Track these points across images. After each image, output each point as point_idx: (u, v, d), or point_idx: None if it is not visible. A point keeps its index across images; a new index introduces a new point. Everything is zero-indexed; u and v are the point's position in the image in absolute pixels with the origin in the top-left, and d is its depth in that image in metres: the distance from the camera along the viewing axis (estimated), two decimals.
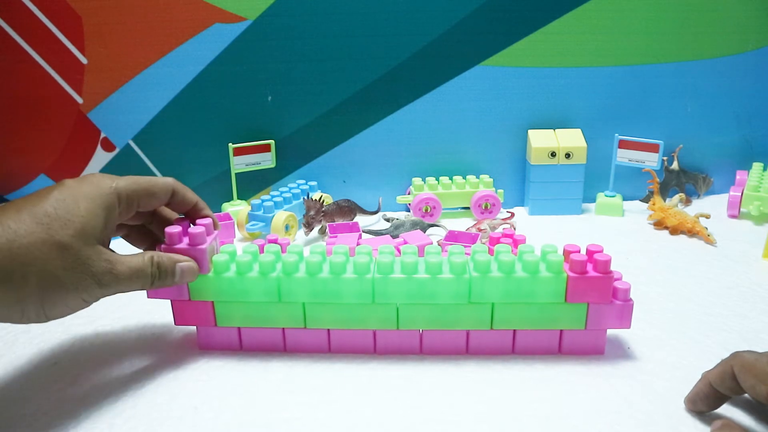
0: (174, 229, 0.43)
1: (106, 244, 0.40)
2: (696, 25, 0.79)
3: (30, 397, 0.42)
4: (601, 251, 0.44)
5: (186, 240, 0.44)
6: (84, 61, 0.76)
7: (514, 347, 0.46)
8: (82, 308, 0.38)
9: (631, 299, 0.44)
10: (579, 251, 0.44)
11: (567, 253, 0.44)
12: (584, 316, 0.44)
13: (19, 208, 0.35)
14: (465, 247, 0.49)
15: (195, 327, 0.48)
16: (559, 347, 0.46)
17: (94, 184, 0.39)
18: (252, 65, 0.77)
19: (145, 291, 0.44)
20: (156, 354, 0.47)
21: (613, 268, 0.44)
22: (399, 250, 0.55)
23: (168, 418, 0.39)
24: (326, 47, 0.77)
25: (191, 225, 0.45)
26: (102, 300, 0.55)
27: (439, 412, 0.39)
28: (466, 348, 0.46)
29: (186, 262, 0.43)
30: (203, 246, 0.44)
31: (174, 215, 0.47)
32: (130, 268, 0.39)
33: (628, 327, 0.45)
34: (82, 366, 0.46)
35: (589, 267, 0.43)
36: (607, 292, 0.43)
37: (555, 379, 0.43)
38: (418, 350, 0.46)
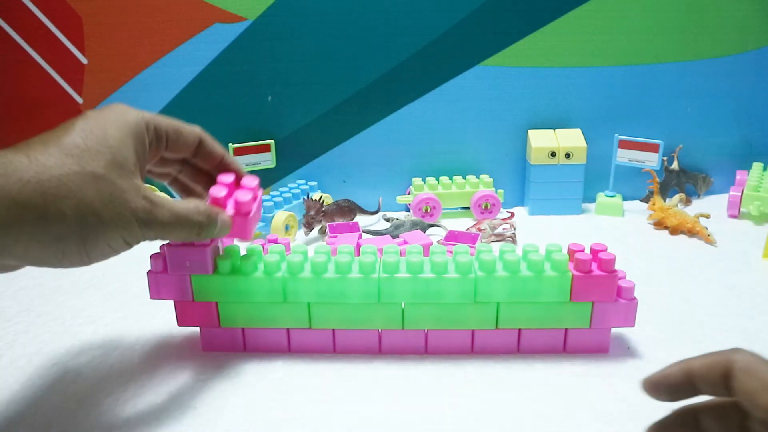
0: (219, 192, 0.40)
1: (142, 178, 0.36)
2: (696, 25, 0.79)
3: (29, 397, 0.42)
4: (605, 250, 0.44)
5: (231, 205, 0.41)
6: (84, 61, 0.76)
7: (519, 346, 0.46)
8: (125, 249, 0.35)
9: (635, 297, 0.44)
10: (583, 250, 0.44)
11: (571, 252, 0.45)
12: (589, 315, 0.44)
13: (46, 141, 0.33)
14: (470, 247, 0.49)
15: (197, 328, 0.48)
16: (564, 346, 0.46)
17: (118, 114, 0.36)
18: (252, 65, 0.77)
19: (147, 291, 0.45)
20: (156, 354, 0.47)
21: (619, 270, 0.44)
22: (402, 251, 0.55)
23: (168, 418, 0.39)
24: (326, 47, 0.77)
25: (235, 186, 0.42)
26: (102, 299, 0.56)
27: (439, 413, 0.39)
28: (471, 347, 0.46)
29: (223, 215, 0.40)
30: (251, 214, 0.41)
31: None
32: (173, 213, 0.36)
33: (633, 325, 0.45)
34: (82, 366, 0.45)
35: (594, 266, 0.44)
36: (611, 291, 0.43)
37: (555, 380, 0.43)
38: (423, 350, 0.46)
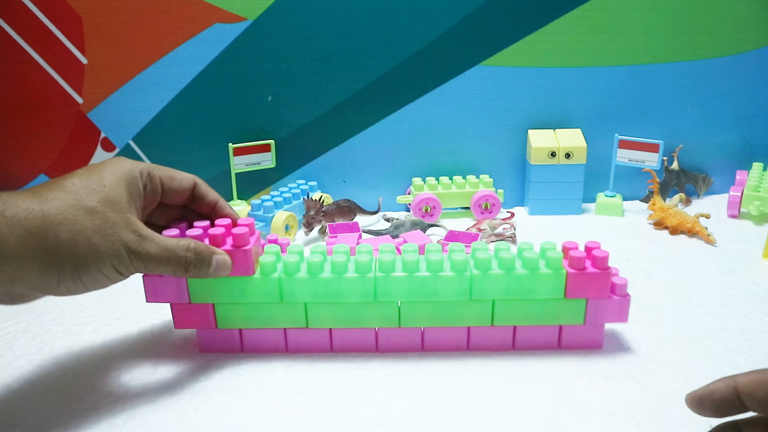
0: (217, 231, 0.43)
1: (138, 217, 0.40)
2: (696, 25, 0.79)
3: (29, 397, 0.42)
4: (599, 247, 0.44)
5: (230, 241, 0.44)
6: (84, 61, 0.76)
7: (514, 343, 0.46)
8: (119, 279, 0.38)
9: (628, 294, 0.45)
10: (577, 248, 0.45)
11: (566, 249, 0.45)
12: (583, 311, 0.45)
13: (49, 183, 0.37)
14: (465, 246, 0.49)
15: (195, 329, 0.48)
16: (559, 342, 0.46)
17: (115, 163, 0.40)
18: (252, 65, 0.77)
19: (144, 294, 0.45)
20: (156, 354, 0.47)
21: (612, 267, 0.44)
22: (399, 250, 0.55)
23: (168, 418, 0.39)
24: (326, 47, 0.77)
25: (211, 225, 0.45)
26: (102, 299, 0.56)
27: (438, 413, 0.39)
28: (467, 345, 0.46)
29: (222, 256, 0.42)
30: (248, 247, 0.43)
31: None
32: (161, 247, 0.39)
33: (626, 321, 0.45)
34: (82, 366, 0.46)
35: (588, 263, 0.44)
36: (605, 288, 0.44)
37: (555, 379, 0.43)
38: (419, 348, 0.47)
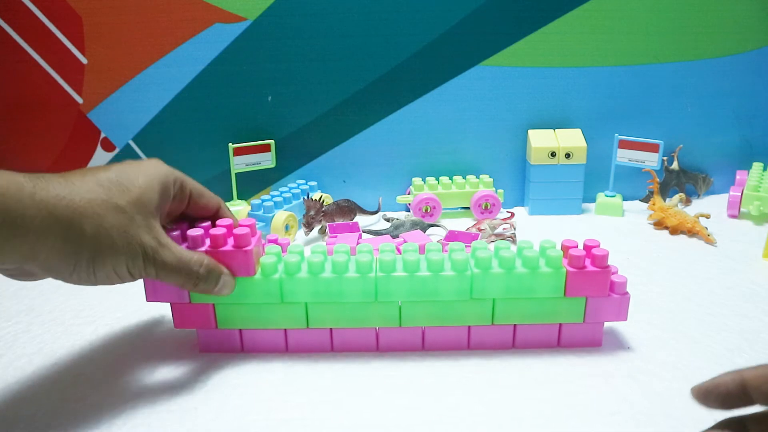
0: (218, 231, 0.43)
1: (162, 222, 0.41)
2: (696, 25, 0.79)
3: (29, 397, 0.42)
4: (598, 246, 0.44)
5: (231, 241, 0.44)
6: (84, 61, 0.76)
7: (514, 342, 0.46)
8: (128, 280, 0.39)
9: (627, 292, 0.45)
10: (577, 246, 0.45)
11: (565, 248, 0.45)
12: (582, 309, 0.45)
13: (84, 172, 0.38)
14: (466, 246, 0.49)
15: (195, 329, 0.48)
16: (558, 341, 0.46)
17: (153, 164, 0.41)
18: (252, 65, 0.77)
19: (144, 293, 0.45)
20: (156, 354, 0.47)
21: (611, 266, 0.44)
22: (399, 250, 0.55)
23: (168, 418, 0.39)
24: (326, 47, 0.77)
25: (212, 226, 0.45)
26: (102, 299, 0.56)
27: (438, 413, 0.39)
28: (468, 344, 0.46)
29: (229, 276, 0.43)
30: (249, 247, 0.43)
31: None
32: (177, 257, 0.40)
33: (625, 319, 0.45)
34: (82, 366, 0.45)
35: (587, 262, 0.44)
36: (604, 286, 0.44)
37: (555, 379, 0.43)
38: (420, 347, 0.47)
